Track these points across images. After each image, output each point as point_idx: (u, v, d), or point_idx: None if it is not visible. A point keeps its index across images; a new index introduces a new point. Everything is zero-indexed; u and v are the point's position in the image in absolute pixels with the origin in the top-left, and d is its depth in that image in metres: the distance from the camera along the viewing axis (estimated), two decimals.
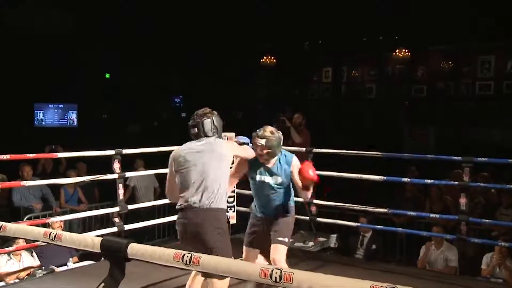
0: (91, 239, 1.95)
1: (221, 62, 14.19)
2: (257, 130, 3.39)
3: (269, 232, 3.47)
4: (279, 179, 3.43)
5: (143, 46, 13.46)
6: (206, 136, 3.14)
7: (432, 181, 5.18)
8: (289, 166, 3.44)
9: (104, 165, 4.87)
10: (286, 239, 3.46)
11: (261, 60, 14.68)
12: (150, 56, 13.93)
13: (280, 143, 3.39)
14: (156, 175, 5.99)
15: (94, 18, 12.59)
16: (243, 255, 3.57)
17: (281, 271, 1.58)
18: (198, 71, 14.62)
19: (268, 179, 3.45)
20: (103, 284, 1.73)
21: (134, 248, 1.83)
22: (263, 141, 3.32)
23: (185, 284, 3.22)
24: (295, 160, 3.47)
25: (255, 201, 3.57)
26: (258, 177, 3.45)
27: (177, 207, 3.12)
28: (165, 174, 5.18)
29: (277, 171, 3.44)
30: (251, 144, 3.56)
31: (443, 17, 11.44)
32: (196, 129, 3.14)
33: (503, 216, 5.96)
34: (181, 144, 5.30)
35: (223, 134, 5.44)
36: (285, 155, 3.48)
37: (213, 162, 3.06)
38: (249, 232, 3.56)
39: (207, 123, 3.14)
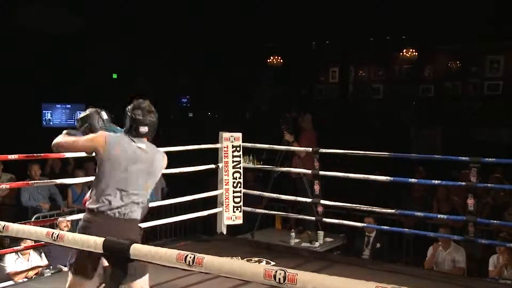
0: (93, 240, 1.95)
1: (228, 62, 14.18)
2: None
3: None
4: None
5: (150, 46, 13.49)
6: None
7: (439, 181, 5.14)
8: None
9: None
10: None
11: (268, 60, 14.67)
12: (157, 56, 13.95)
13: None
14: (164, 175, 5.97)
15: (101, 18, 12.63)
16: None
17: (285, 272, 1.58)
18: (205, 71, 14.63)
19: None
20: (103, 285, 1.73)
21: (137, 249, 1.83)
22: None
23: (188, 285, 3.20)
24: None
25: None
26: None
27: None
28: (172, 174, 5.20)
29: None
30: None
31: (451, 17, 11.37)
32: (147, 128, 2.82)
33: None
34: (187, 144, 5.28)
35: (230, 134, 5.50)
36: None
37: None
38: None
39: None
